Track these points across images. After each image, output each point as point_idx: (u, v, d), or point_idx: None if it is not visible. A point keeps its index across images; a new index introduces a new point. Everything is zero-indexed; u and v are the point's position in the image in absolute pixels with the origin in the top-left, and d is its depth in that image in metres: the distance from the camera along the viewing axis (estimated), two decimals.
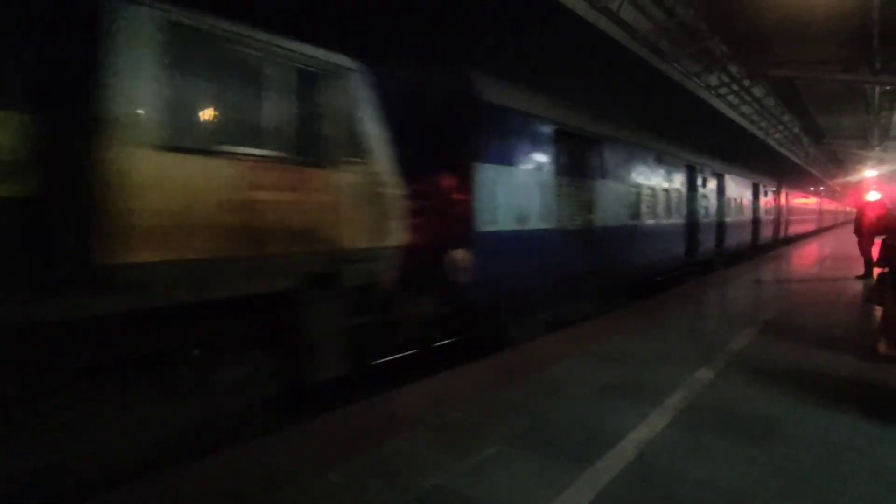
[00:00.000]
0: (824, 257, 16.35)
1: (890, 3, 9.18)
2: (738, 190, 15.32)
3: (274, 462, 3.09)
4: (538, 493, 2.68)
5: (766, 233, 19.16)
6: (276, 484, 2.81)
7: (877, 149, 26.31)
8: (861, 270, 10.71)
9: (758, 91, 17.32)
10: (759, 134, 22.14)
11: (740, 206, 15.70)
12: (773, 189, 20.03)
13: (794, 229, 25.20)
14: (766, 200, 18.61)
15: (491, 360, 5.21)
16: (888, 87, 15.18)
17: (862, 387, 4.23)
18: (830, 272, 12.06)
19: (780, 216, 21.50)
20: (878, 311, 5.22)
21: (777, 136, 24.73)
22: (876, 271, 6.33)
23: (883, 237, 5.90)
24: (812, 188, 40.15)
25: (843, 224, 44.39)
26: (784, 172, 25.60)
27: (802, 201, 29.06)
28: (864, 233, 10.88)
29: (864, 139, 25.43)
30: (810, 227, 31.56)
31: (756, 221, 17.53)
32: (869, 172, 31.96)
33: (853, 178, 39.05)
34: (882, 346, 4.83)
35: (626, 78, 12.13)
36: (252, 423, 3.74)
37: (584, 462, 2.97)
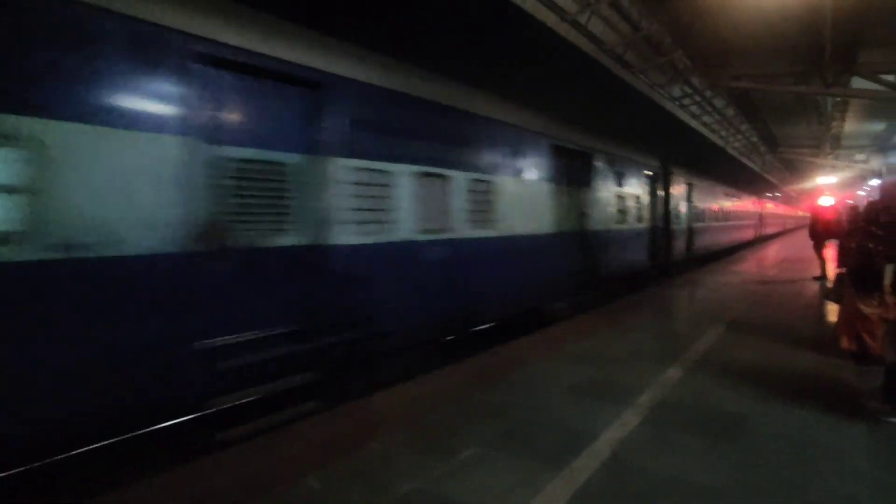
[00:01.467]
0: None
1: (839, 23, 9.73)
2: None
3: (251, 468, 3.03)
4: (516, 493, 2.71)
5: (633, 254, 11.27)
6: (252, 491, 2.76)
7: (829, 157, 27.72)
8: (818, 272, 11.23)
9: (718, 102, 18.02)
10: (720, 142, 23.02)
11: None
12: (651, 174, 12.38)
13: (712, 240, 18.77)
14: (636, 192, 11.43)
15: (468, 362, 5.23)
16: (839, 99, 16.05)
17: (823, 382, 4.44)
18: (788, 274, 12.58)
19: (677, 220, 14.35)
20: (836, 309, 5.49)
21: (736, 144, 25.75)
22: (832, 272, 6.66)
23: (838, 240, 6.22)
24: (750, 185, 31.96)
25: (794, 230, 43.30)
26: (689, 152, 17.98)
27: (727, 201, 22.12)
28: (818, 236, 11.44)
29: (817, 147, 26.75)
30: (743, 235, 25.67)
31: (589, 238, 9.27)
32: (822, 179, 33.64)
33: (807, 184, 40.98)
34: (843, 342, 5.08)
35: (595, 88, 12.43)
36: (230, 428, 3.65)
37: (561, 462, 3.02)
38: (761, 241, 29.38)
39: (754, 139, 26.44)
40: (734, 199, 23.24)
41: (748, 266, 15.22)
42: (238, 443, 3.40)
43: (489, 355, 5.52)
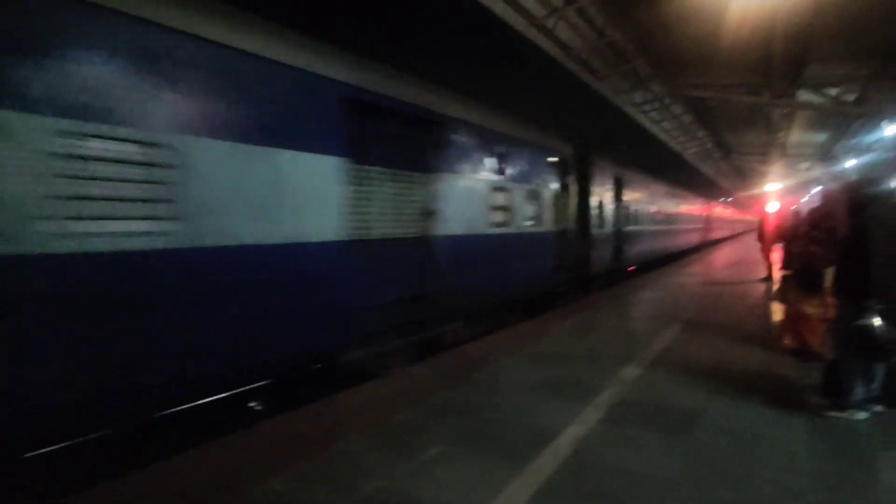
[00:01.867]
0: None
1: (788, 39, 10.31)
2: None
3: (214, 470, 2.96)
4: (480, 490, 2.75)
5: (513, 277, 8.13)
6: (215, 493, 2.70)
7: (776, 164, 29.26)
8: (765, 273, 11.85)
9: (677, 109, 18.72)
10: (678, 148, 23.93)
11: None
12: (559, 161, 9.81)
13: (650, 246, 16.77)
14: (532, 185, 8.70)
15: (432, 362, 5.26)
16: (786, 110, 16.97)
17: (768, 378, 4.69)
18: (737, 276, 13.21)
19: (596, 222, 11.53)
20: (781, 309, 5.82)
21: (693, 150, 26.81)
22: (777, 274, 7.03)
23: (783, 243, 6.58)
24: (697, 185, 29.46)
25: (744, 234, 44.05)
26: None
27: (670, 202, 20.12)
28: (765, 239, 12.08)
29: (766, 155, 28.19)
30: (688, 240, 24.24)
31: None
32: (769, 186, 35.45)
33: (756, 190, 43.09)
34: (787, 341, 5.40)
35: (561, 91, 12.56)
36: (190, 429, 3.54)
37: (524, 459, 3.09)
38: (709, 245, 29.07)
39: (709, 146, 27.59)
40: (679, 199, 21.81)
41: (700, 269, 15.90)
42: (202, 443, 3.30)
43: (453, 355, 5.56)
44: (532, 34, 9.63)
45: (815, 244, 5.20)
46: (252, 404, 4.16)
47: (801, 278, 5.32)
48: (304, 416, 3.80)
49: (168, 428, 3.52)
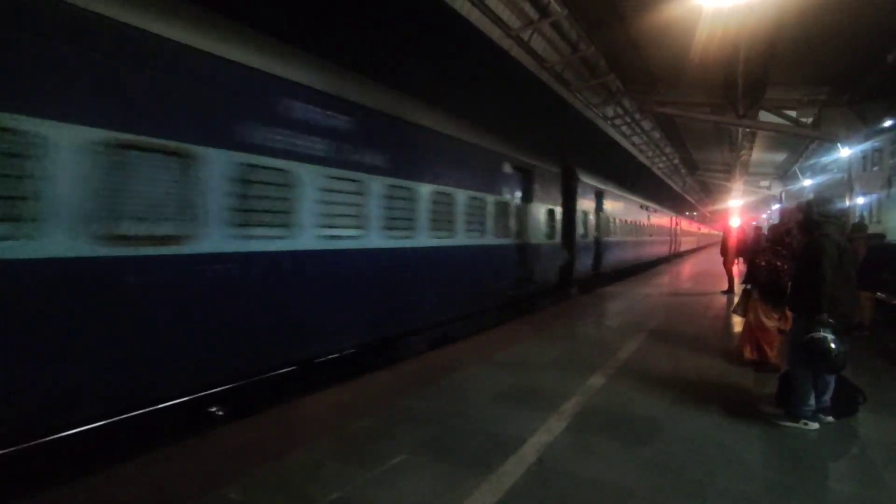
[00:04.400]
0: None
1: (750, 63, 10.78)
2: None
3: (165, 479, 2.83)
4: (443, 499, 2.72)
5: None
6: (164, 502, 2.59)
7: (739, 182, 30.41)
8: (726, 286, 12.24)
9: (646, 124, 19.27)
10: (646, 161, 24.61)
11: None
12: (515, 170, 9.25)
13: (616, 257, 16.17)
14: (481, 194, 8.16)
15: (397, 368, 5.20)
16: (748, 130, 17.69)
17: (726, 388, 4.82)
18: (700, 287, 13.61)
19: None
20: (742, 321, 6.00)
21: (661, 165, 27.61)
22: (738, 287, 7.26)
23: (747, 256, 6.80)
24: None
25: (707, 247, 45.05)
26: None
27: (635, 213, 19.27)
28: (727, 253, 12.51)
29: (729, 173, 29.28)
30: (656, 251, 24.11)
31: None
32: (732, 202, 36.78)
33: (720, 206, 44.65)
34: (746, 352, 5.56)
35: (534, 102, 12.76)
36: (142, 435, 3.40)
37: (488, 468, 3.07)
38: (675, 257, 29.70)
39: (676, 161, 28.47)
40: (649, 213, 21.98)
41: (666, 279, 16.31)
42: (153, 449, 3.16)
43: (417, 361, 5.52)
44: (506, 44, 9.77)
45: (780, 259, 5.39)
46: (212, 409, 4.02)
47: (765, 291, 5.49)
48: (263, 421, 3.69)
49: (120, 433, 3.36)
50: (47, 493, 2.64)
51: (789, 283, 4.67)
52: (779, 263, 5.35)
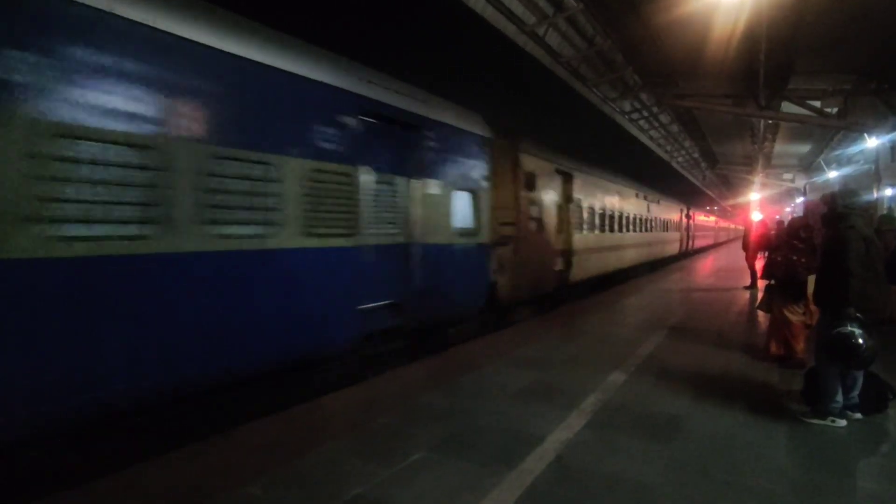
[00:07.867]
0: None
1: (772, 52, 10.50)
2: None
3: (190, 476, 2.89)
4: (463, 497, 2.72)
5: None
6: (191, 498, 2.64)
7: (761, 175, 29.75)
8: (748, 281, 11.99)
9: (664, 118, 18.94)
10: (665, 156, 24.21)
11: None
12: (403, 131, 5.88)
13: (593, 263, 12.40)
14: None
15: (417, 365, 5.23)
16: (770, 121, 17.27)
17: (750, 384, 4.73)
18: (722, 283, 13.36)
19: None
20: (766, 317, 5.89)
21: (680, 159, 27.14)
22: (762, 282, 7.12)
23: (766, 252, 6.67)
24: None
25: (728, 242, 43.88)
26: None
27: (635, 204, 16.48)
28: (749, 248, 12.25)
29: (751, 166, 28.65)
30: (662, 250, 21.05)
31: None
32: (754, 195, 36.02)
33: (741, 199, 43.75)
34: (773, 347, 5.47)
35: (551, 98, 12.65)
36: (169, 433, 3.47)
37: (508, 465, 3.06)
38: (690, 255, 27.53)
39: (696, 155, 27.96)
40: (644, 202, 18.12)
41: (686, 275, 16.05)
42: (179, 447, 3.24)
43: (438, 359, 5.53)
44: (521, 40, 9.70)
45: (797, 253, 5.29)
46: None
47: (784, 286, 5.41)
48: (285, 419, 3.74)
49: (143, 430, 3.44)
50: (75, 490, 2.71)
51: (808, 277, 4.57)
52: (795, 258, 5.25)
